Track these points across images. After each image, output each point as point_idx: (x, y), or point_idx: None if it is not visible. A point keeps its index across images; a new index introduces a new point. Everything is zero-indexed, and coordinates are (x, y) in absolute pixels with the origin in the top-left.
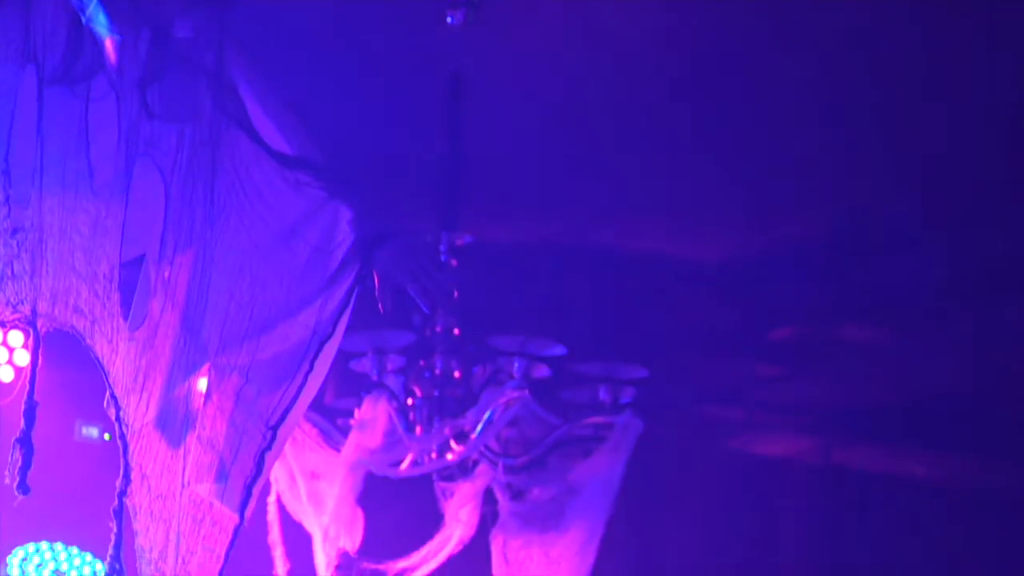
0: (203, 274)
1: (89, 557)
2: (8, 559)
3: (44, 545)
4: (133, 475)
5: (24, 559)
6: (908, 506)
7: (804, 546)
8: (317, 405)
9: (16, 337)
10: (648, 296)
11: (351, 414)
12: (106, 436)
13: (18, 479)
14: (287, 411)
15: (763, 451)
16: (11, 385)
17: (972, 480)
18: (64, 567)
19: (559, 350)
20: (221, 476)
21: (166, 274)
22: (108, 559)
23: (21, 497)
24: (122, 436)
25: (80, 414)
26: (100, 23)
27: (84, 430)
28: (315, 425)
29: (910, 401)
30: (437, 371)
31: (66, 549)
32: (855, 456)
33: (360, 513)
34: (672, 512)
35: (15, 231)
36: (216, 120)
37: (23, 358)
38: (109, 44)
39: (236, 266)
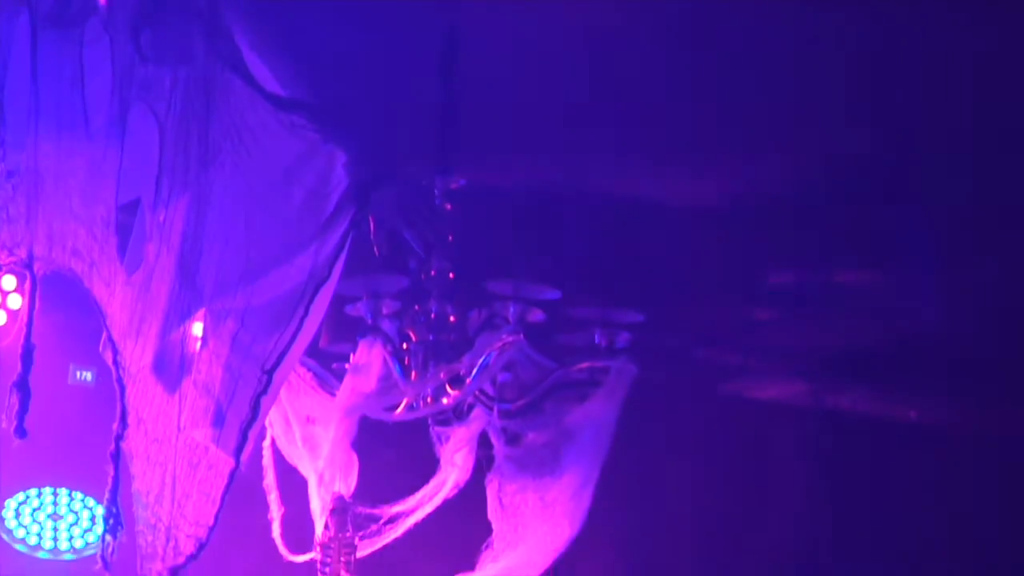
0: (198, 218)
1: (91, 502)
2: (6, 502)
3: (44, 491)
4: (130, 419)
5: (20, 505)
6: (901, 450)
7: (797, 489)
8: (312, 350)
9: (9, 281)
10: (644, 240)
11: (346, 359)
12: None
13: (15, 423)
14: (283, 355)
15: (758, 395)
16: (4, 329)
17: (967, 424)
18: (63, 511)
19: (554, 294)
20: (217, 420)
21: (161, 218)
22: (105, 503)
23: (18, 441)
24: (119, 380)
25: (74, 358)
26: None
27: (78, 374)
28: (310, 369)
29: (905, 345)
30: (432, 315)
31: (62, 493)
32: (849, 400)
33: (355, 458)
34: (667, 456)
35: (10, 174)
36: (210, 63)
37: (16, 302)
38: None
39: (231, 210)
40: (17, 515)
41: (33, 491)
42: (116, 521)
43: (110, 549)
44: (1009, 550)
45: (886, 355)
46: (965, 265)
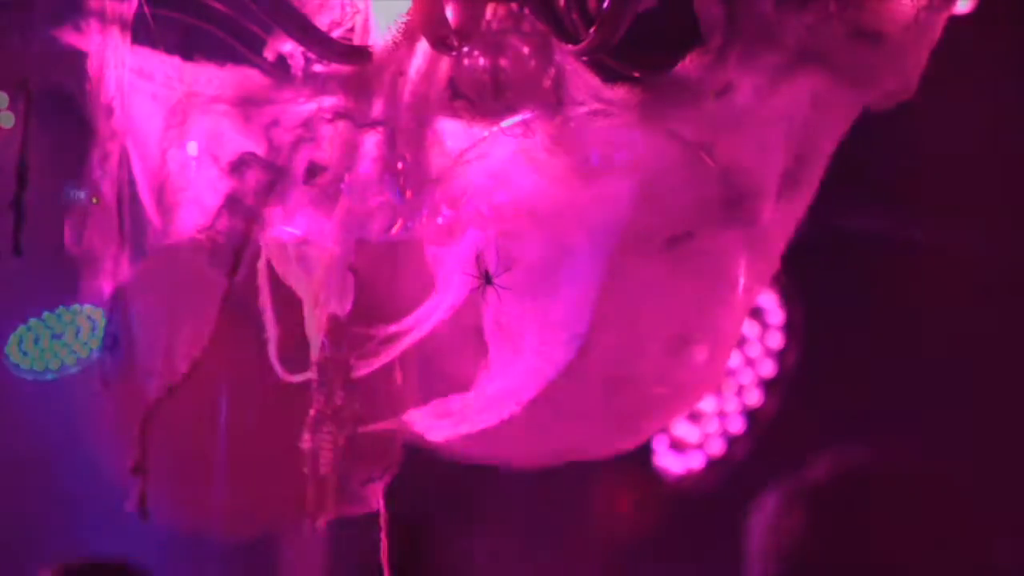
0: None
1: (77, 307)
2: (6, 351)
3: (33, 323)
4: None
5: (22, 340)
6: (906, 270)
7: (799, 308)
8: None
9: None
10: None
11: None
12: (94, 200)
13: (12, 241)
14: None
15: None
16: None
17: (972, 244)
18: (70, 331)
19: None
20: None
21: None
22: (105, 324)
23: (13, 260)
24: (119, 199)
25: (67, 177)
26: None
27: (71, 194)
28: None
29: (912, 165)
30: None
31: (55, 314)
32: (854, 220)
33: (350, 278)
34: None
35: None
36: None
37: (8, 120)
38: None
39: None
40: (24, 353)
41: (22, 329)
42: (115, 340)
43: (109, 367)
44: (1012, 367)
45: (892, 175)
46: (976, 88)
